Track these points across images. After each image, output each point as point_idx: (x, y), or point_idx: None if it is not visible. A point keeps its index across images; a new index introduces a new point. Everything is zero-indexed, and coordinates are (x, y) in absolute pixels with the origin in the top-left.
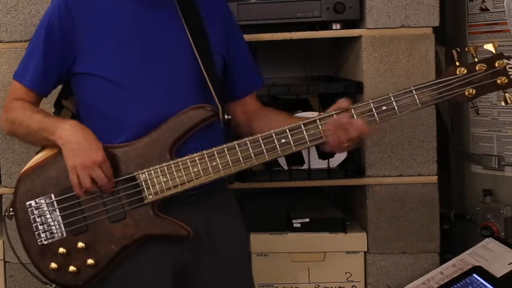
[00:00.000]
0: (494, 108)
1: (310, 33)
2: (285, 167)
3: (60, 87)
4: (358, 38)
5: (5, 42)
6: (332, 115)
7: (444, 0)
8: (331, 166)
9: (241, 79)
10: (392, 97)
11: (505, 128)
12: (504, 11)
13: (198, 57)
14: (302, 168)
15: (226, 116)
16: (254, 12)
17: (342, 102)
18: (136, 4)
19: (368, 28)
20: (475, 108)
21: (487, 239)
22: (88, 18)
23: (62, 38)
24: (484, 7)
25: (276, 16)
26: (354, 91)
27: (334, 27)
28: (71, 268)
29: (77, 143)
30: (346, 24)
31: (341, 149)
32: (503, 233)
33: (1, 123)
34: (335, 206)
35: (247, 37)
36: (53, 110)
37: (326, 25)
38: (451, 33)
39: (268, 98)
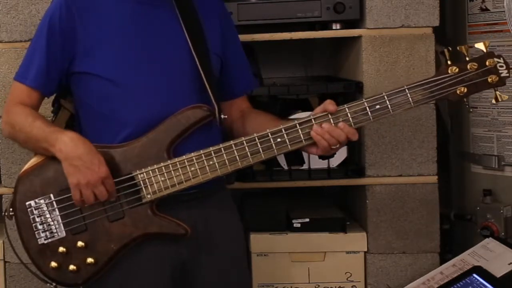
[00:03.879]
0: (494, 108)
1: (310, 33)
2: (285, 167)
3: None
4: (358, 38)
5: (5, 42)
6: (327, 114)
7: (444, 0)
8: (331, 166)
9: (236, 79)
10: (385, 96)
11: (505, 128)
12: (504, 11)
13: (195, 57)
14: (302, 168)
15: (222, 116)
16: (254, 12)
17: (329, 106)
18: (135, 4)
19: (368, 28)
20: (467, 106)
21: (487, 239)
22: (88, 17)
23: (63, 38)
24: (484, 7)
25: (276, 16)
26: (354, 91)
27: (334, 27)
28: (71, 267)
29: (78, 159)
30: (346, 24)
31: (331, 152)
32: (503, 233)
33: (2, 125)
34: (335, 206)
35: (248, 37)
36: (51, 109)
37: (326, 25)
38: (451, 33)
39: (268, 98)
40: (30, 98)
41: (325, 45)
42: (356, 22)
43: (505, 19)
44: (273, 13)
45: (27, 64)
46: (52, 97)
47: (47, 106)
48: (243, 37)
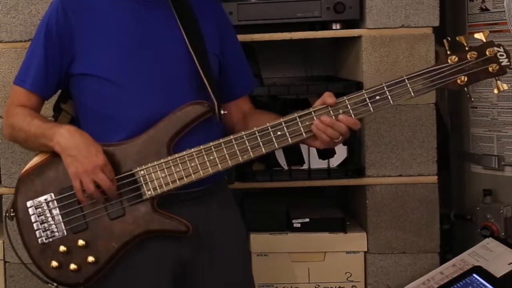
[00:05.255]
0: (494, 108)
1: (310, 33)
2: (285, 167)
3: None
4: (358, 38)
5: (5, 42)
6: (327, 106)
7: (444, 0)
8: (331, 166)
9: (236, 80)
10: (385, 87)
11: (505, 128)
12: (504, 11)
13: (193, 55)
14: (302, 168)
15: (222, 111)
16: (254, 12)
17: (328, 99)
18: (132, 4)
19: (368, 28)
20: (468, 96)
21: (487, 239)
22: (85, 19)
23: (61, 41)
24: (484, 7)
25: (276, 16)
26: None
27: (334, 27)
28: (72, 266)
29: (76, 149)
30: (346, 24)
31: (333, 145)
32: (503, 233)
33: (3, 128)
34: (335, 206)
35: (248, 37)
36: (52, 114)
37: (326, 25)
38: (451, 33)
39: (268, 98)
40: (30, 101)
41: (325, 45)
42: (356, 22)
43: (505, 19)
44: (273, 13)
45: (26, 67)
46: (53, 102)
47: (47, 106)
48: (243, 37)
